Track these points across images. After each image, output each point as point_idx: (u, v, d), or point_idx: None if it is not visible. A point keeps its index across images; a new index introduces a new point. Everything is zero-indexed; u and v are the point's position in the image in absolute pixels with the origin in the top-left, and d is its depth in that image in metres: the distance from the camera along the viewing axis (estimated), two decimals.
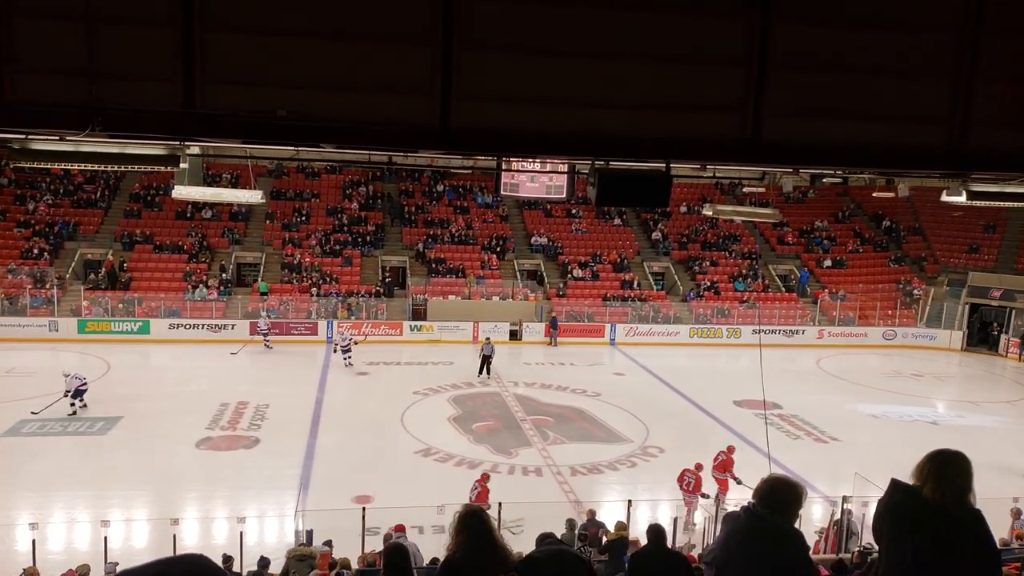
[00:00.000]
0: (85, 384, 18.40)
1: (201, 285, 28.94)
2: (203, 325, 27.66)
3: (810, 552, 3.51)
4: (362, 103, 4.47)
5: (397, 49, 4.42)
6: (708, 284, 32.89)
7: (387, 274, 31.82)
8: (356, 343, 24.67)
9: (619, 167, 5.66)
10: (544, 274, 32.84)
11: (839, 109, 4.79)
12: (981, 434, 19.73)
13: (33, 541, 10.94)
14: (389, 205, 35.08)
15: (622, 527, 10.62)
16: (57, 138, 6.35)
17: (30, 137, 6.46)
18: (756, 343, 21.99)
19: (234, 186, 31.46)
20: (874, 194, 35.03)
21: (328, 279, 30.42)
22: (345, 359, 24.21)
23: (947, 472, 2.67)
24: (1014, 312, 30.63)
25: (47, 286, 27.70)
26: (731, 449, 14.53)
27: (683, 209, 36.89)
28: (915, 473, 2.73)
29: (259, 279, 30.23)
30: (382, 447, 17.24)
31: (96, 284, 28.50)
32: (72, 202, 32.26)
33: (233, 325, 27.80)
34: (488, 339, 24.35)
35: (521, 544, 10.61)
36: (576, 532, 11.08)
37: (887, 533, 2.67)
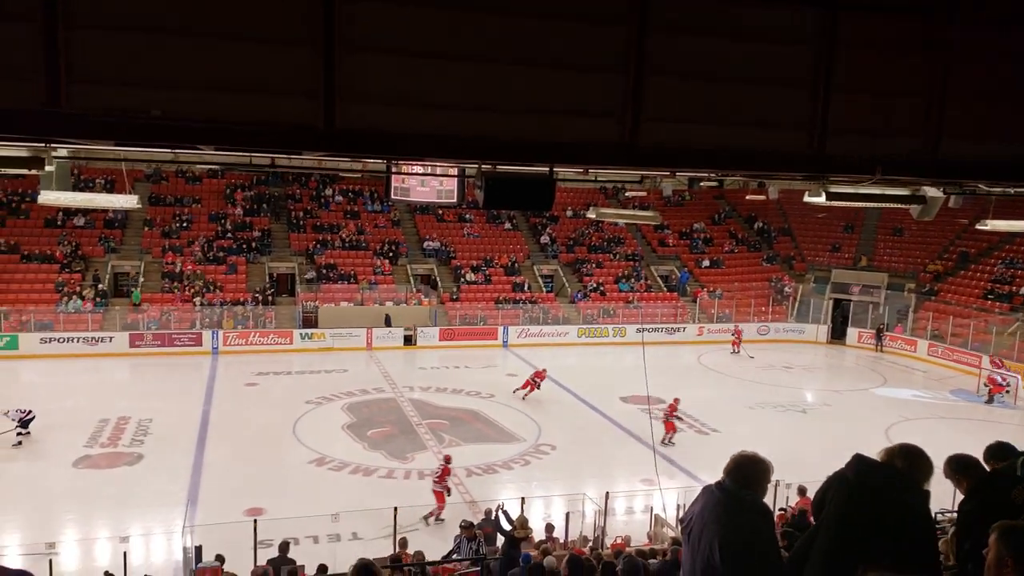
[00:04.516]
0: (31, 414, 17.40)
1: (75, 296, 27.21)
2: (78, 339, 26.03)
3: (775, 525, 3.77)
4: (242, 103, 4.39)
5: (277, 49, 4.37)
6: (594, 285, 33.84)
7: (274, 281, 30.94)
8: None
9: (505, 171, 5.79)
10: (437, 278, 32.88)
11: (711, 115, 5.08)
12: (845, 420, 21.14)
13: None
14: (275, 209, 34.13)
15: (523, 523, 10.80)
16: None
17: None
18: (640, 341, 22.86)
19: (108, 191, 29.78)
20: (747, 197, 37.14)
21: (212, 287, 29.28)
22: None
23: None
24: (871, 306, 33.11)
25: None
26: (448, 459, 14.99)
27: (569, 213, 37.83)
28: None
29: (134, 289, 28.69)
30: (274, 458, 16.81)
31: None
32: None
33: (111, 338, 26.32)
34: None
35: (420, 543, 10.64)
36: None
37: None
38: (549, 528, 11.91)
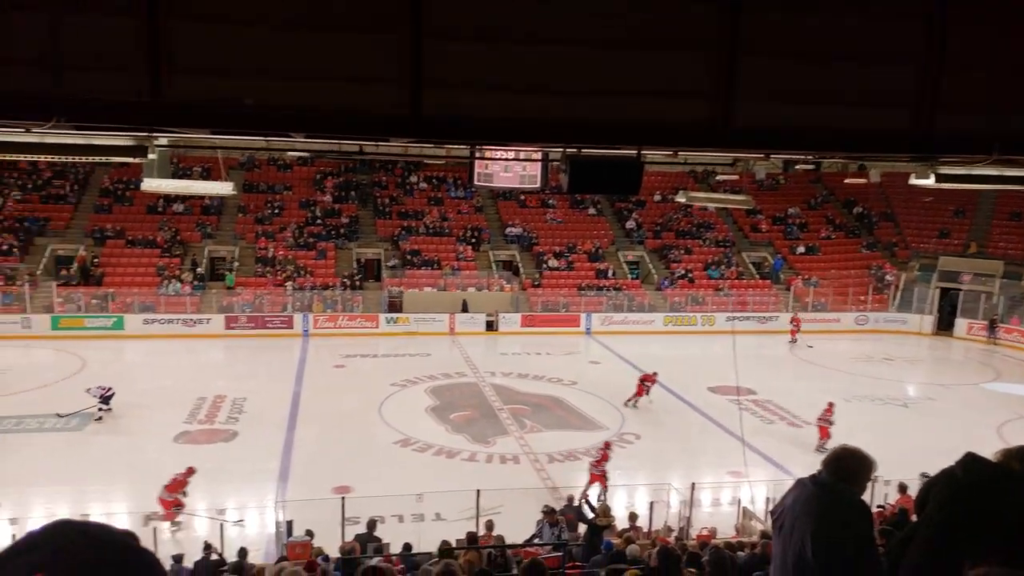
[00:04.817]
0: (111, 390, 18.22)
1: (175, 279, 28.61)
2: (178, 320, 27.38)
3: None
4: (331, 91, 4.44)
5: (365, 37, 4.40)
6: (682, 272, 33.13)
7: (361, 266, 31.67)
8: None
9: (590, 154, 5.69)
10: (519, 264, 32.88)
11: (809, 93, 4.83)
12: (951, 416, 20.08)
13: (13, 536, 10.82)
14: (362, 196, 34.86)
15: (605, 511, 10.72)
16: (24, 130, 6.27)
17: None
18: (730, 330, 22.25)
19: (205, 179, 31.07)
20: (846, 180, 35.44)
21: (302, 272, 30.23)
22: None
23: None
24: (984, 295, 31.21)
25: (18, 283, 27.22)
26: (607, 445, 14.97)
27: (657, 197, 37.09)
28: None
29: (228, 272, 29.92)
30: (360, 438, 17.23)
31: (68, 280, 28.06)
32: (41, 197, 31.69)
33: (208, 320, 27.55)
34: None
35: (502, 527, 10.72)
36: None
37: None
38: (632, 517, 11.78)
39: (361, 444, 16.87)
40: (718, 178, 35.02)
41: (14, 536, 10.31)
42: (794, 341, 28.84)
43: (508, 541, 10.25)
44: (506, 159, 11.64)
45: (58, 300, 27.00)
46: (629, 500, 13.98)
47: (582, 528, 11.14)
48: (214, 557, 10.11)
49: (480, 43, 4.54)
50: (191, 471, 13.25)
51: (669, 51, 4.74)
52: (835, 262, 34.93)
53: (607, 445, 14.60)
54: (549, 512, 10.92)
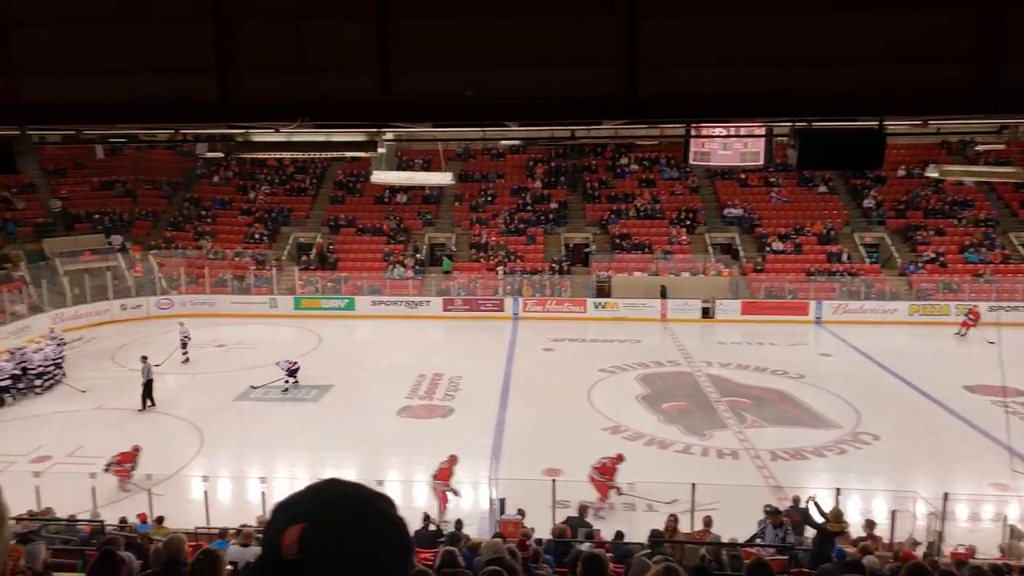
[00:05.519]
0: (296, 364, 20.16)
1: (398, 264, 30.74)
2: (401, 302, 29.39)
3: None
4: (547, 78, 4.43)
5: (579, 21, 4.33)
6: (932, 256, 29.63)
7: (569, 251, 31.96)
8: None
9: (822, 127, 5.21)
10: (739, 248, 31.33)
11: None
12: None
13: (263, 494, 12.25)
14: (571, 180, 35.10)
15: (838, 516, 9.92)
16: (272, 131, 6.94)
17: (250, 131, 7.10)
18: (994, 322, 19.62)
19: (426, 170, 32.98)
20: None
21: (513, 257, 31.13)
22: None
23: None
24: None
25: (267, 267, 30.69)
26: (619, 458, 13.24)
27: (900, 172, 33.43)
28: None
29: (447, 257, 31.55)
30: (570, 422, 17.39)
31: (308, 265, 31.17)
32: (286, 191, 35.42)
33: (428, 302, 29.29)
34: (145, 358, 18.77)
35: (721, 527, 10.30)
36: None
37: None
38: (870, 525, 10.75)
39: (570, 428, 17.04)
40: (978, 148, 30.72)
41: (263, 494, 11.65)
42: (962, 334, 25.10)
43: (724, 539, 9.85)
44: (725, 136, 11.03)
45: (299, 283, 30.09)
46: (864, 506, 12.83)
47: (809, 532, 10.43)
48: (432, 528, 10.69)
49: (698, 18, 4.29)
50: (454, 459, 13.29)
51: (920, 12, 4.21)
52: None
53: (619, 457, 13.17)
54: (773, 512, 10.32)
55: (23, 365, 19.36)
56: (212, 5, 4.19)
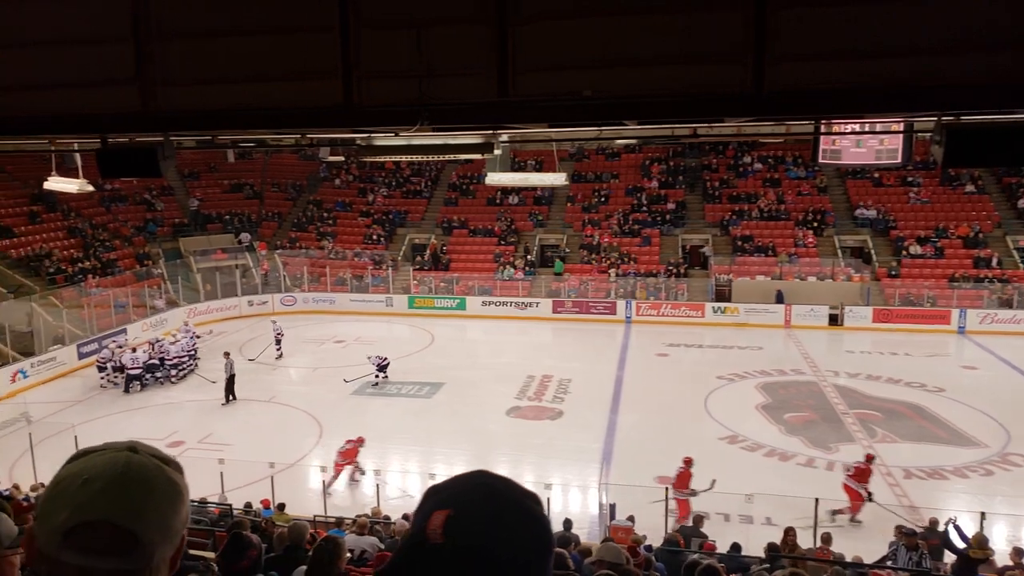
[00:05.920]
0: (387, 360, 20.69)
1: (509, 266, 31.00)
2: (511, 303, 29.62)
3: None
4: (667, 75, 4.29)
5: (703, 17, 4.18)
6: None
7: (687, 253, 31.20)
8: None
9: (974, 121, 4.80)
10: (872, 251, 29.59)
11: None
12: None
13: (377, 486, 12.61)
14: (690, 180, 34.22)
15: (981, 542, 9.17)
16: (392, 134, 7.11)
17: (371, 135, 7.30)
18: None
19: (538, 171, 33.09)
20: None
21: (626, 259, 30.73)
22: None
23: None
24: None
25: (384, 267, 31.70)
26: (869, 458, 12.47)
27: None
28: None
29: (559, 259, 31.52)
30: (685, 429, 16.93)
31: (422, 265, 31.98)
32: (402, 193, 36.47)
33: (538, 303, 29.37)
34: (227, 354, 19.86)
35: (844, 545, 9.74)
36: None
37: None
38: (1018, 553, 9.90)
39: (685, 436, 16.57)
40: None
41: (378, 486, 12.00)
42: None
43: (848, 559, 9.31)
44: (859, 132, 10.35)
45: (414, 283, 30.91)
46: (1012, 533, 11.83)
47: (948, 558, 9.70)
48: None
49: (829, 9, 4.05)
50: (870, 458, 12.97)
51: None
52: None
53: (869, 459, 12.64)
54: (908, 534, 9.66)
55: (160, 356, 20.87)
56: (339, 15, 4.32)
